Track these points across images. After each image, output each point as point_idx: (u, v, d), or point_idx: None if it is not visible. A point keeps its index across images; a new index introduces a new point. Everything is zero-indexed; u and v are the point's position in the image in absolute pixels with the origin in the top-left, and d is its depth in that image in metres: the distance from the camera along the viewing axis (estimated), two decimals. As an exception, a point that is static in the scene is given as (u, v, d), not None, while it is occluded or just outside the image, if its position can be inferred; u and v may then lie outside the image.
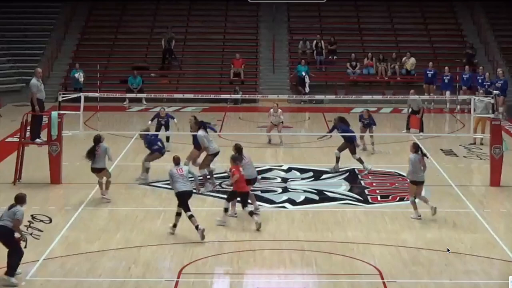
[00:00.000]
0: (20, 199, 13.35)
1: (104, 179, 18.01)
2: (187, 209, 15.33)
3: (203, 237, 15.02)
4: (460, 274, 13.59)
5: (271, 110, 24.13)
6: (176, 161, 15.89)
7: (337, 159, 20.60)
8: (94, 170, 18.11)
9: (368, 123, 23.05)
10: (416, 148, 16.72)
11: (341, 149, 20.68)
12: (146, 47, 36.77)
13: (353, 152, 20.45)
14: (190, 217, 15.23)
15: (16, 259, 12.96)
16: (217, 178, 19.62)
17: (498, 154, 19.21)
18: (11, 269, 12.92)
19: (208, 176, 18.85)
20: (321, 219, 16.65)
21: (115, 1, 39.06)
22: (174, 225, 15.53)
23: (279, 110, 24.06)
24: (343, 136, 20.69)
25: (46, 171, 19.42)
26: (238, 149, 16.79)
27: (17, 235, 13.07)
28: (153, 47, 36.34)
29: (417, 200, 16.62)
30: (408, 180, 16.91)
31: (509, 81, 31.27)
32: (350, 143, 20.52)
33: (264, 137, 24.23)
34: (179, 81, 35.28)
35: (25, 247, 13.23)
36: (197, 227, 15.10)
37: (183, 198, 15.39)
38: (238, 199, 16.33)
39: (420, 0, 38.97)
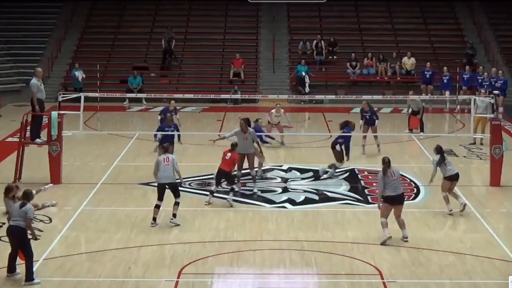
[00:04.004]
0: (27, 195, 13.42)
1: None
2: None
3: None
4: (460, 274, 13.59)
5: (273, 111, 23.70)
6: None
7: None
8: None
9: (370, 117, 22.59)
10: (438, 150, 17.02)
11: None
12: (146, 47, 36.78)
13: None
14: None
15: (31, 262, 13.02)
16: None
17: (498, 154, 19.21)
18: (30, 273, 12.97)
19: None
20: (321, 219, 16.65)
21: (115, 1, 39.06)
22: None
23: (282, 110, 23.84)
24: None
25: (46, 171, 19.42)
26: (386, 163, 15.48)
27: (29, 236, 13.17)
28: (153, 47, 36.35)
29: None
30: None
31: (509, 81, 31.31)
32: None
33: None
34: (179, 81, 35.29)
35: (36, 239, 13.39)
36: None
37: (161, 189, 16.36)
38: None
39: (420, 0, 38.99)
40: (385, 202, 15.18)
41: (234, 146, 18.21)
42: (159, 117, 22.70)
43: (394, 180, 15.09)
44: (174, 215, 16.22)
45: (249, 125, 19.38)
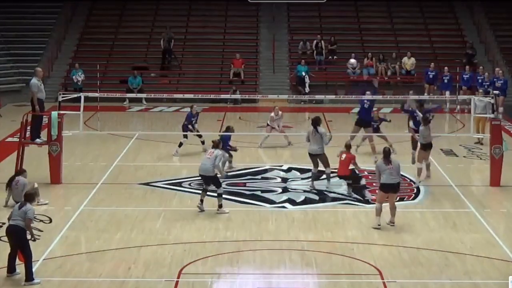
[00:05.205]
0: (29, 197, 13.41)
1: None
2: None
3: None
4: (460, 274, 13.59)
5: (273, 114, 23.44)
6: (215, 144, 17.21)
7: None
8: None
9: (377, 127, 22.73)
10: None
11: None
12: (146, 47, 36.77)
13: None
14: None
15: (30, 262, 13.01)
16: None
17: (498, 154, 19.21)
18: (30, 273, 12.97)
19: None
20: (321, 219, 16.65)
21: (115, 1, 39.05)
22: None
23: (280, 112, 23.73)
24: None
25: (46, 171, 19.41)
26: (385, 152, 16.09)
27: (28, 236, 13.16)
28: (153, 47, 36.33)
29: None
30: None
31: (509, 81, 31.29)
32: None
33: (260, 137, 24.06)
34: (179, 81, 35.29)
35: (34, 240, 13.37)
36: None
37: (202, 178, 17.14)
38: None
39: (420, 0, 38.99)
40: (380, 189, 15.97)
41: (348, 147, 18.53)
42: (187, 124, 22.18)
43: (390, 168, 15.74)
44: (220, 206, 16.85)
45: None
